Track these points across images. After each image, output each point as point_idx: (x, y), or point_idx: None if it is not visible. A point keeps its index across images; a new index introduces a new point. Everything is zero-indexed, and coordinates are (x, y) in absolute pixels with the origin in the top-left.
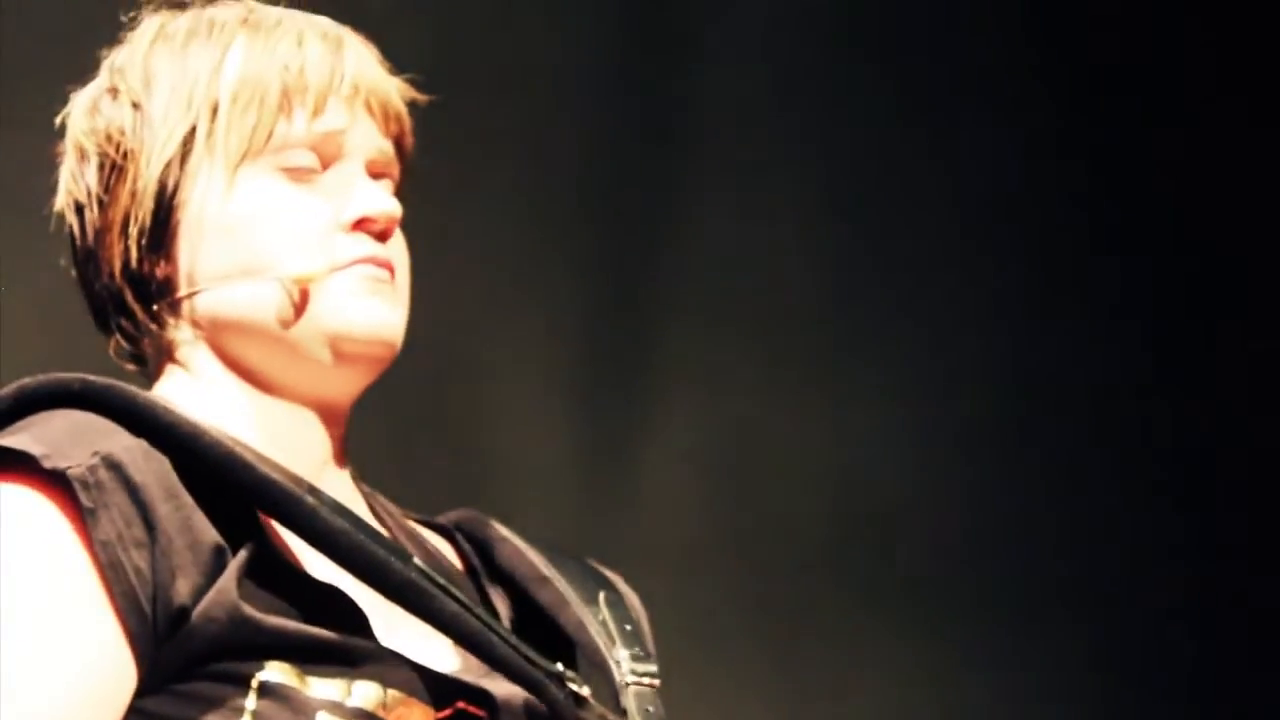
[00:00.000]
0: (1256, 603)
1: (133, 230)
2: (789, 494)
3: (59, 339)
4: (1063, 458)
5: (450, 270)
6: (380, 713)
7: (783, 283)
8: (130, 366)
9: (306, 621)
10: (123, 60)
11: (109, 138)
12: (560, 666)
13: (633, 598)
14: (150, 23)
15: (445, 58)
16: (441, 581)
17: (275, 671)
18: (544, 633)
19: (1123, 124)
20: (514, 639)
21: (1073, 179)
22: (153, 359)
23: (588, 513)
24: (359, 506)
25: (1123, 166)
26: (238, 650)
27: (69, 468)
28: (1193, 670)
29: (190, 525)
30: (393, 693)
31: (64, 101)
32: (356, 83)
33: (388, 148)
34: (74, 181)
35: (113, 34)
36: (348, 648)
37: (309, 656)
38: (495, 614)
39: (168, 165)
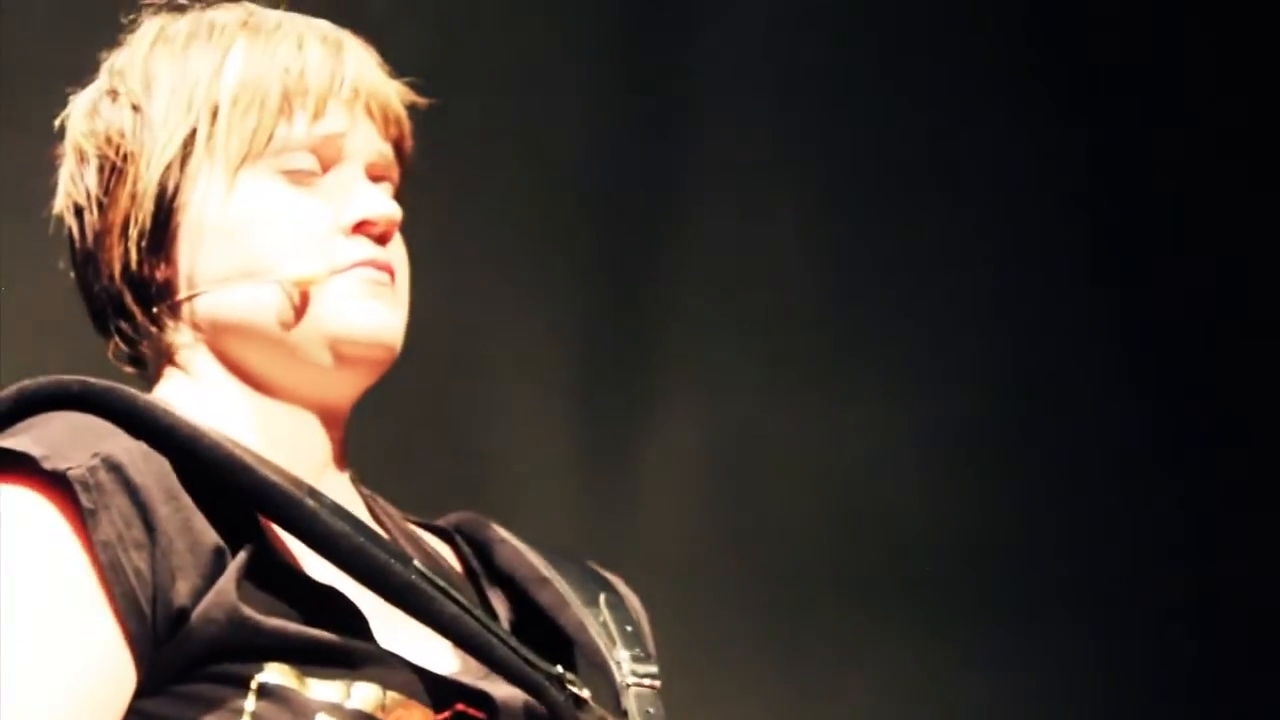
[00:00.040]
0: (1256, 603)
1: (132, 233)
2: (789, 494)
3: (59, 341)
4: (1063, 458)
5: (450, 271)
6: (379, 714)
7: (783, 283)
8: (129, 369)
9: (306, 623)
10: (122, 63)
11: (109, 140)
12: (560, 668)
13: (633, 599)
14: (150, 25)
15: (445, 58)
16: (441, 584)
17: (274, 673)
18: (544, 634)
19: (1123, 124)
20: (514, 641)
21: (1073, 179)
22: (152, 362)
23: (588, 513)
24: (359, 509)
25: (1123, 166)
26: (237, 651)
27: (69, 469)
28: (1193, 670)
29: (190, 527)
30: (392, 694)
31: (63, 103)
32: (356, 86)
33: (387, 151)
34: (73, 184)
35: (112, 36)
36: (347, 649)
37: (308, 658)
38: (495, 616)
39: (168, 168)
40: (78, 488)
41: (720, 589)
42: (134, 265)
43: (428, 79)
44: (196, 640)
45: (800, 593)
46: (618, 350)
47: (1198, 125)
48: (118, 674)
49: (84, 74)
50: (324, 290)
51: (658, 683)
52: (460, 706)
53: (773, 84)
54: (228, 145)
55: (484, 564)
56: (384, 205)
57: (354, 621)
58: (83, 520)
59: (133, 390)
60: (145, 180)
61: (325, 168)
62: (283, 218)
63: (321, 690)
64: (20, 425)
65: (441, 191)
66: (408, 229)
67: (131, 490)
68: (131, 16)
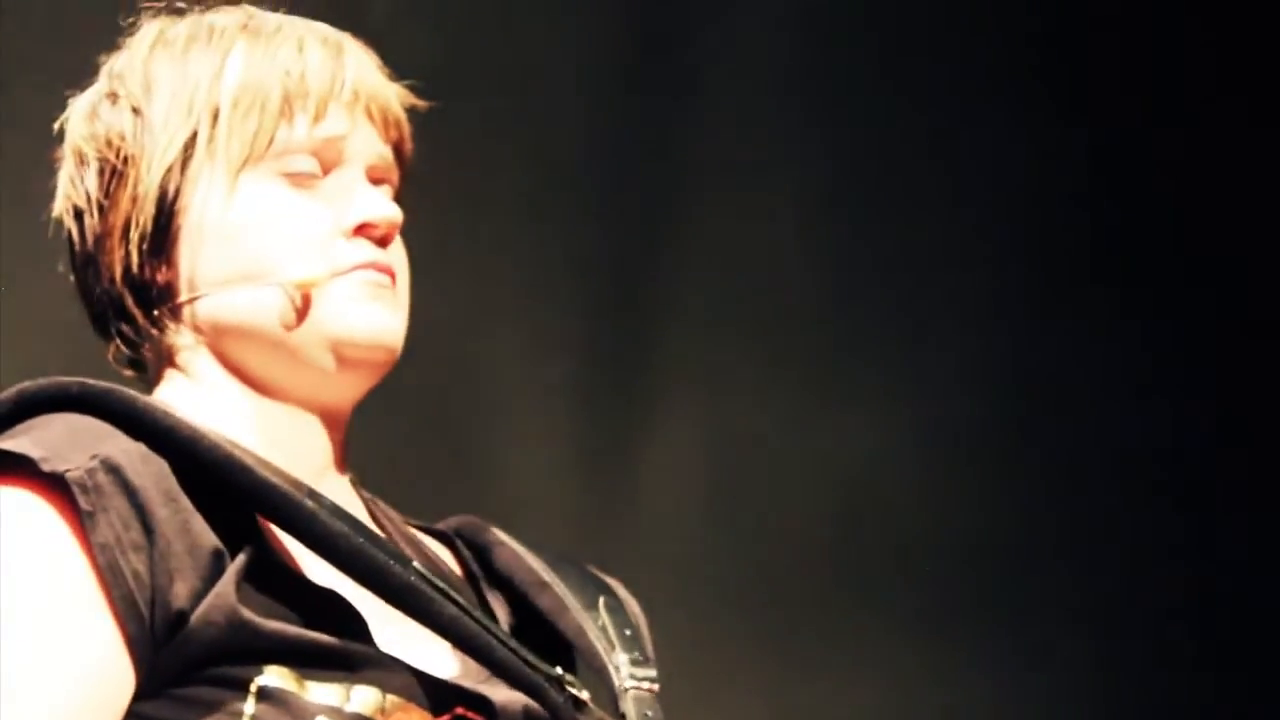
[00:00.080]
0: (1256, 603)
1: (133, 235)
2: (789, 494)
3: (59, 342)
4: (1063, 458)
5: (450, 271)
6: (379, 717)
7: (783, 283)
8: (128, 372)
9: (305, 626)
10: (122, 65)
11: (109, 143)
12: (559, 670)
13: (632, 603)
14: (149, 28)
15: (445, 58)
16: (440, 585)
17: (274, 676)
18: (543, 638)
19: (1123, 124)
20: (513, 642)
21: (1073, 179)
22: (153, 364)
23: (588, 513)
24: (359, 511)
25: (1123, 166)
26: (236, 654)
27: (67, 471)
28: (1193, 670)
29: (189, 529)
30: (391, 698)
31: (61, 106)
32: (357, 89)
33: (387, 154)
34: (73, 186)
35: (111, 38)
36: (347, 652)
37: (308, 661)
38: (494, 619)
39: (169, 170)
40: (76, 490)
41: (720, 589)
42: (135, 268)
43: (427, 81)
44: (195, 643)
45: (800, 592)
46: (618, 350)
47: (1198, 125)
48: (116, 676)
49: (83, 75)
50: (325, 293)
51: (656, 686)
52: (460, 710)
53: (772, 84)
54: (229, 148)
55: (483, 567)
56: (385, 208)
57: (353, 624)
58: (81, 522)
59: (132, 392)
60: (146, 183)
61: (326, 170)
62: (284, 220)
63: (321, 693)
64: (20, 427)
65: (441, 192)
66: (408, 229)
67: (130, 492)
68: (130, 20)
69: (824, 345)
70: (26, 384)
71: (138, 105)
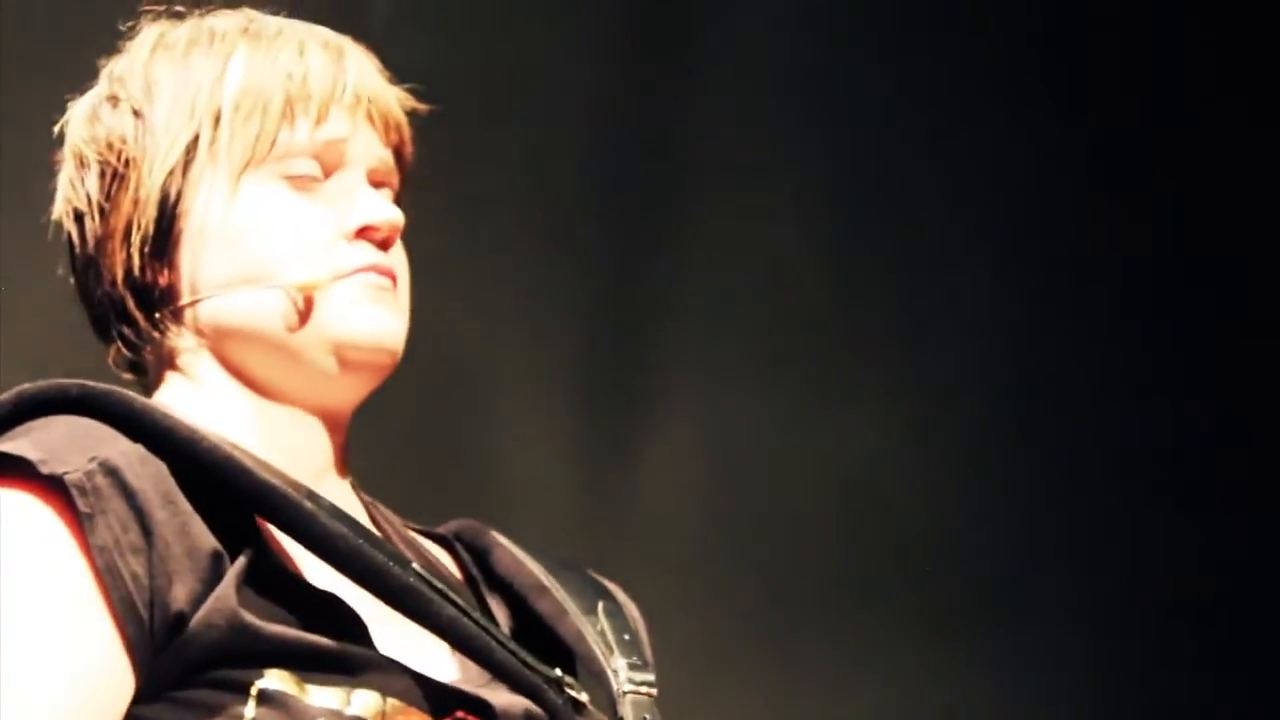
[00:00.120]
0: (1256, 603)
1: (135, 238)
2: (789, 494)
3: (58, 344)
4: (1063, 458)
5: (450, 272)
6: None
7: (783, 283)
8: (127, 375)
9: (306, 629)
10: (122, 69)
11: (110, 145)
12: (559, 672)
13: (631, 608)
14: (149, 32)
15: (445, 59)
16: (440, 586)
17: (274, 679)
18: (542, 642)
19: (1123, 124)
20: (512, 644)
21: (1073, 179)
22: (153, 367)
23: (588, 513)
24: (359, 514)
25: (1123, 166)
26: (237, 657)
27: (66, 473)
28: (1193, 670)
29: (187, 531)
30: (392, 701)
31: (61, 107)
32: (358, 92)
33: (388, 157)
34: (73, 189)
35: (111, 40)
36: (347, 655)
37: (308, 664)
38: (494, 621)
39: (170, 173)
40: (74, 492)
41: (720, 589)
42: (136, 270)
43: (426, 77)
44: (196, 646)
45: (800, 592)
46: (618, 350)
47: (1198, 125)
48: (115, 678)
49: (84, 77)
50: (327, 295)
51: (654, 690)
52: (460, 714)
53: (772, 84)
54: (230, 150)
55: (483, 571)
56: (387, 211)
57: (353, 627)
58: (80, 525)
59: (131, 393)
60: (148, 186)
61: (327, 173)
62: (285, 223)
63: (321, 697)
64: (20, 429)
65: (442, 192)
66: (408, 230)
67: (129, 494)
68: (130, 23)
69: (824, 345)
70: (26, 386)
71: (139, 108)
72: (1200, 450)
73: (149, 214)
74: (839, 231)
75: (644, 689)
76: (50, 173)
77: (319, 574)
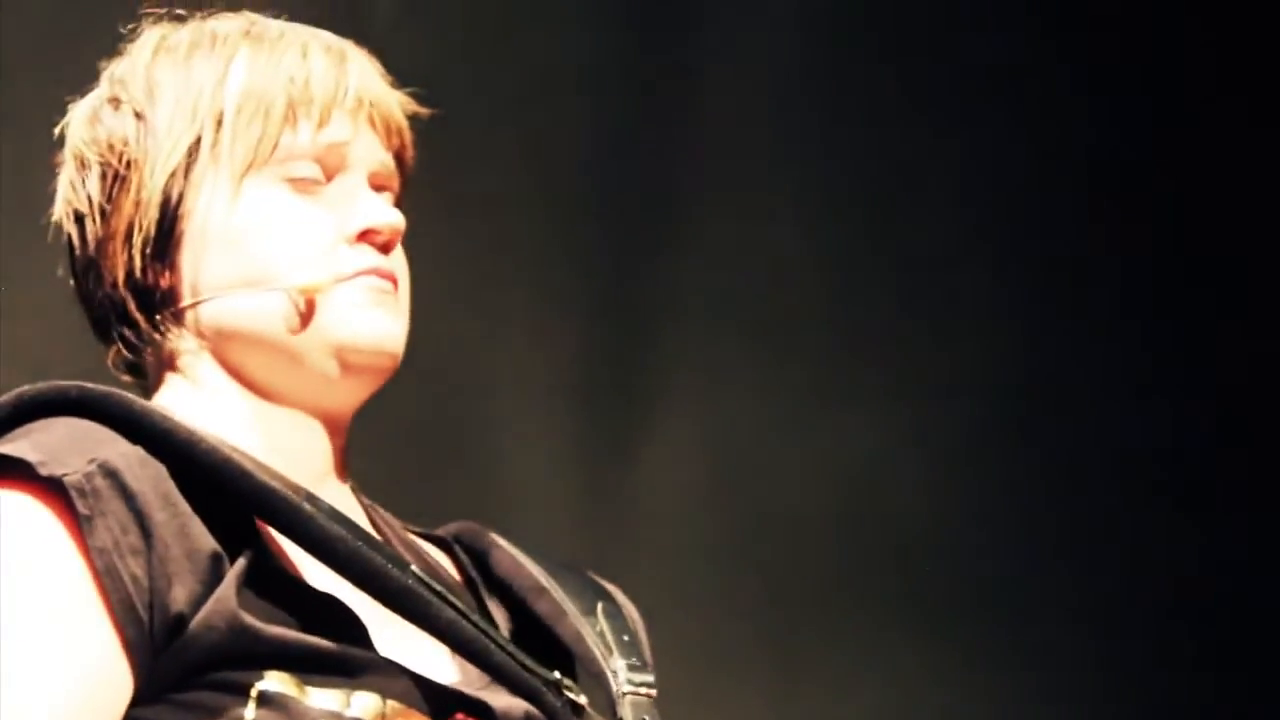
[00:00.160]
0: (1256, 603)
1: (136, 240)
2: (789, 494)
3: (58, 345)
4: (1063, 458)
5: (450, 271)
6: None
7: (783, 283)
8: (127, 377)
9: (305, 631)
10: (123, 71)
11: (111, 147)
12: (558, 674)
13: (630, 609)
14: (150, 34)
15: (445, 59)
16: (439, 588)
17: (274, 681)
18: (542, 644)
19: (1123, 124)
20: (511, 646)
21: (1073, 179)
22: (153, 369)
23: (588, 513)
24: (359, 517)
25: (1123, 166)
26: (237, 659)
27: (65, 475)
28: (1193, 670)
29: (187, 532)
30: (392, 703)
31: (61, 108)
32: (360, 95)
33: (389, 161)
34: (74, 191)
35: (112, 41)
36: (347, 657)
37: (308, 666)
38: (493, 624)
39: (172, 175)
40: (74, 494)
41: (720, 589)
42: (137, 272)
43: (426, 78)
44: (196, 648)
45: (800, 593)
46: (618, 350)
47: (1198, 125)
48: (114, 680)
49: (84, 78)
50: (328, 298)
51: (654, 691)
52: (459, 716)
53: (773, 84)
54: (232, 153)
55: (482, 573)
56: (388, 214)
57: (353, 629)
58: (79, 526)
59: (130, 395)
60: (149, 187)
61: (329, 176)
62: (287, 226)
63: (321, 699)
64: (19, 430)
65: (442, 192)
66: (408, 230)
67: (128, 496)
68: (131, 26)
69: (824, 345)
70: (26, 387)
71: (140, 110)
72: (1200, 450)
73: (150, 216)
74: (839, 231)
75: (643, 690)
76: (50, 174)
77: (318, 576)
